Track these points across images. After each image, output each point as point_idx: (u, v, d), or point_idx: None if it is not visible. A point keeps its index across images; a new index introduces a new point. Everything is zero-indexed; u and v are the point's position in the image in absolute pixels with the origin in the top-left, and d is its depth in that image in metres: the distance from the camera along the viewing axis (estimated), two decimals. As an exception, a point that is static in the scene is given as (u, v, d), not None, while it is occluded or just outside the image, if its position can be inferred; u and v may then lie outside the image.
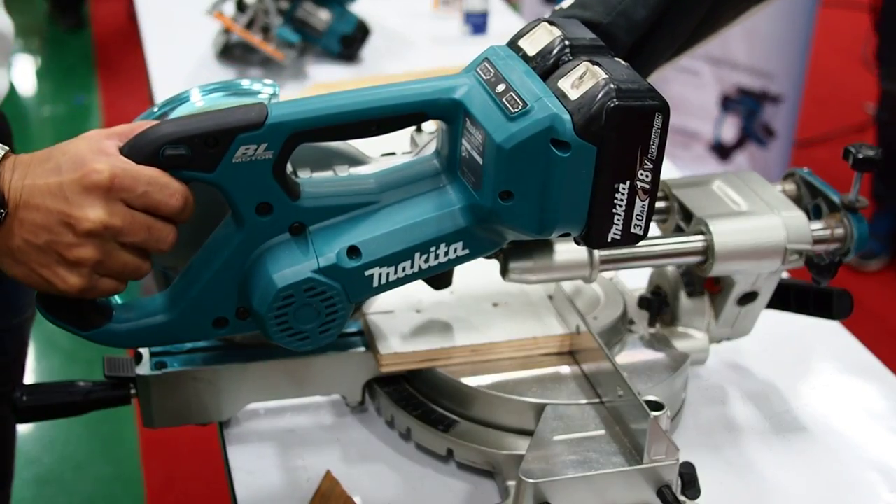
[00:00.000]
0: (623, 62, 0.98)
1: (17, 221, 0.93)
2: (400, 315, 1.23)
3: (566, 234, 1.00)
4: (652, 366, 1.21)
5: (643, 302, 1.30)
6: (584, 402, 1.14)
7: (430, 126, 1.13)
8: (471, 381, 1.16)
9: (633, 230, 0.99)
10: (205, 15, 2.21)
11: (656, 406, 1.04)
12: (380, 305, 1.24)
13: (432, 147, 1.08)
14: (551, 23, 1.03)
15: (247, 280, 1.01)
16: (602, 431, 1.10)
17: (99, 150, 0.93)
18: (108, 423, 2.91)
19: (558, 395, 1.15)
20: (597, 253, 1.14)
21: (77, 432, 2.94)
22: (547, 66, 0.99)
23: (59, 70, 5.43)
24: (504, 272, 1.13)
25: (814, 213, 1.24)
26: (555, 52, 1.00)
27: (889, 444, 1.27)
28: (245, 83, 1.13)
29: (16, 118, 1.41)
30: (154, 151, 0.94)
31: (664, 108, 0.94)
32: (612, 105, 0.92)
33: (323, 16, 2.28)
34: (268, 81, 1.13)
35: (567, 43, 1.00)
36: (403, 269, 1.02)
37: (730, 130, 4.03)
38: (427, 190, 1.03)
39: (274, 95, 1.10)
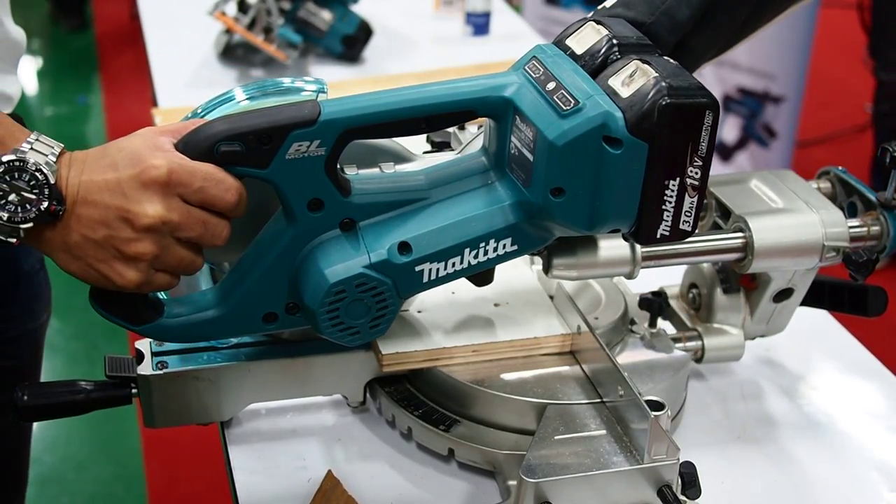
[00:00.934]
0: (671, 60, 0.99)
1: (74, 217, 0.94)
2: (402, 315, 1.23)
3: (615, 231, 1.01)
4: (653, 366, 1.21)
5: (644, 302, 1.30)
6: (585, 401, 1.14)
7: (471, 124, 1.15)
8: (472, 381, 1.17)
9: (681, 226, 1.01)
10: (206, 15, 2.21)
11: (657, 406, 1.04)
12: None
13: (477, 145, 1.10)
14: (598, 22, 1.05)
15: (297, 275, 1.03)
16: (603, 431, 1.10)
17: (155, 146, 0.95)
18: (111, 422, 2.92)
19: (559, 394, 1.15)
20: (639, 249, 1.15)
21: (79, 432, 2.94)
22: (595, 65, 1.01)
23: (61, 70, 5.44)
24: (547, 268, 1.13)
25: (849, 211, 1.26)
26: (603, 50, 1.01)
27: (889, 444, 1.27)
28: (287, 81, 1.14)
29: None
30: (209, 148, 0.95)
31: (714, 106, 0.95)
32: (665, 103, 0.93)
33: (325, 16, 2.28)
34: (309, 78, 1.14)
35: (615, 42, 1.01)
36: (453, 264, 1.04)
37: (731, 131, 4.04)
38: (476, 186, 1.05)
39: (321, 91, 1.11)
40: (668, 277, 1.36)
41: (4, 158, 0.93)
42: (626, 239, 1.03)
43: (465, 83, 1.01)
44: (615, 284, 1.31)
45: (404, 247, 1.02)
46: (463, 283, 1.23)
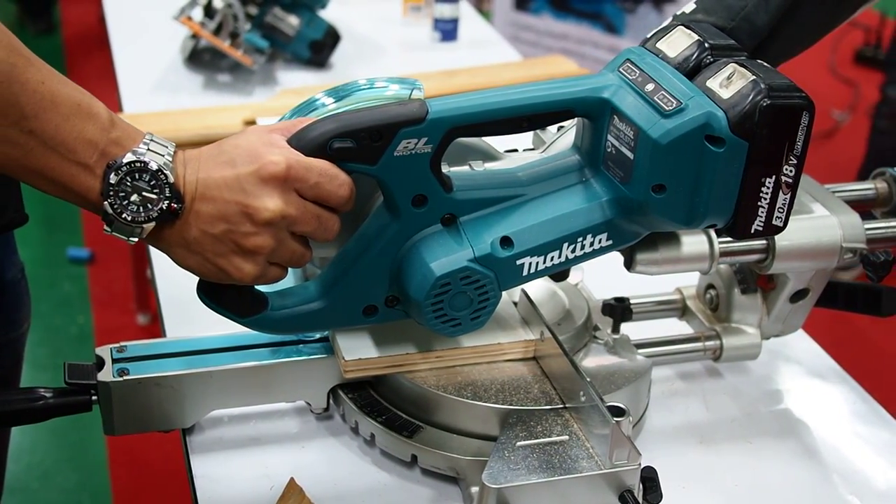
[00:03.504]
0: (764, 63, 1.02)
1: (193, 214, 0.97)
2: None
3: (711, 226, 1.05)
4: (615, 371, 1.22)
5: (607, 308, 1.31)
6: (547, 407, 1.15)
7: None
8: (435, 387, 1.16)
9: (774, 222, 1.05)
10: (172, 20, 2.20)
11: (618, 411, 1.05)
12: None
13: (559, 145, 1.14)
14: (686, 26, 1.08)
15: (400, 269, 1.07)
16: (565, 437, 1.10)
17: (270, 142, 0.99)
18: (76, 431, 2.90)
19: (522, 400, 1.15)
20: (717, 246, 1.19)
21: (44, 440, 2.92)
22: (689, 68, 1.05)
23: (28, 75, 5.39)
24: (630, 264, 1.17)
25: None
26: (696, 54, 1.05)
27: (851, 447, 1.28)
28: (380, 83, 1.17)
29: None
30: (323, 144, 0.99)
31: (811, 107, 0.99)
32: (765, 104, 0.97)
33: (292, 21, 2.28)
34: (381, 78, 1.17)
35: (707, 45, 1.05)
36: (552, 258, 1.08)
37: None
38: (571, 183, 1.09)
39: (418, 89, 1.14)
40: (685, 279, 1.38)
41: (125, 160, 0.95)
42: (719, 234, 1.08)
43: (565, 84, 1.05)
44: (578, 291, 1.31)
45: (506, 241, 1.06)
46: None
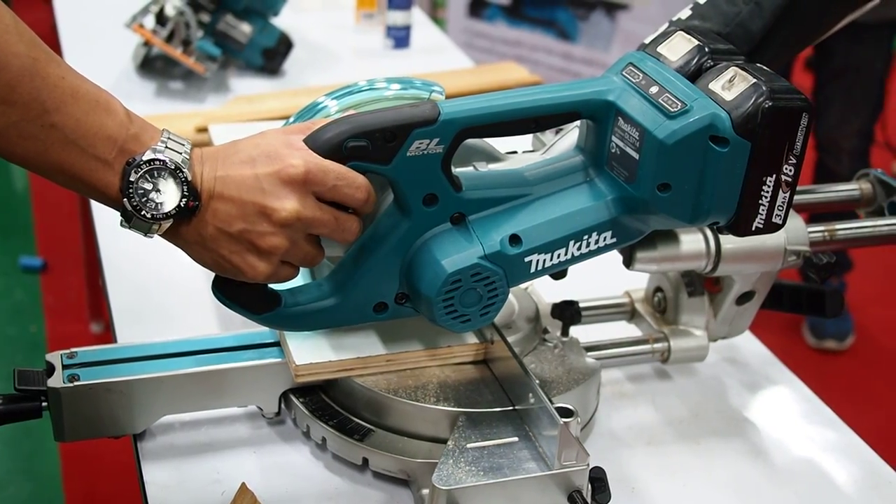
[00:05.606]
0: (764, 67, 1.05)
1: (210, 212, 0.99)
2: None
3: (714, 223, 1.09)
4: (564, 374, 1.23)
5: (556, 311, 1.32)
6: (497, 409, 1.15)
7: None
8: (386, 390, 1.17)
9: (773, 219, 1.08)
10: (124, 28, 2.19)
11: (567, 412, 1.06)
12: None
13: (559, 147, 1.17)
14: (685, 31, 1.11)
15: (410, 267, 1.09)
16: (515, 438, 1.11)
17: (289, 144, 1.01)
18: (30, 439, 2.88)
19: (472, 403, 1.16)
20: (713, 245, 1.23)
21: (-3, 450, 2.89)
22: (690, 71, 1.08)
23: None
24: (629, 262, 1.20)
25: (889, 210, 1.34)
26: (697, 58, 1.09)
27: (798, 446, 1.30)
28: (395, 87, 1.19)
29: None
30: (338, 144, 1.01)
31: (810, 108, 1.03)
32: (767, 105, 1.01)
33: (244, 29, 2.27)
34: (381, 79, 1.19)
35: (708, 49, 1.08)
36: (558, 255, 1.10)
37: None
38: (577, 183, 1.12)
39: (438, 92, 1.17)
40: (633, 282, 1.40)
41: (145, 158, 0.96)
42: (721, 232, 1.11)
43: (571, 87, 1.08)
44: (528, 294, 1.33)
45: (515, 239, 1.08)
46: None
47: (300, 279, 1.12)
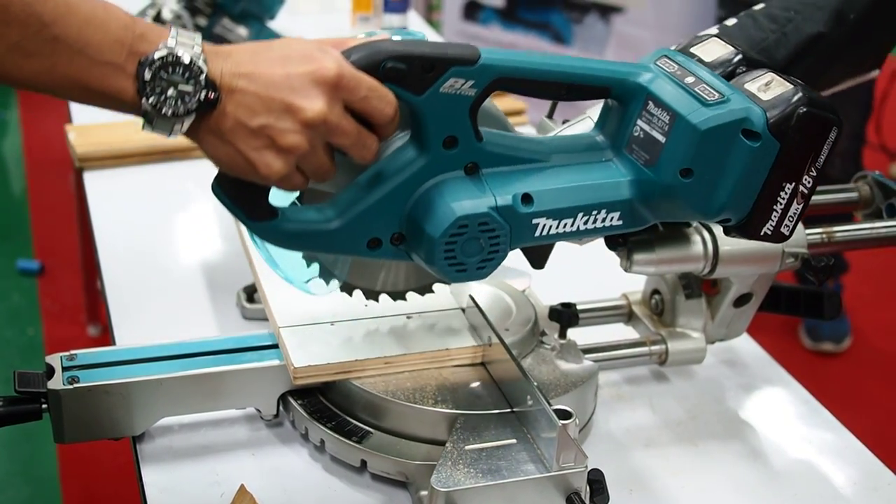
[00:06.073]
0: (796, 79, 1.06)
1: (232, 104, 0.96)
2: (313, 327, 1.24)
3: (725, 220, 1.08)
4: (562, 376, 1.23)
5: (554, 313, 1.32)
6: (495, 411, 1.16)
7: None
8: (384, 392, 1.17)
9: (782, 229, 1.08)
10: (122, 31, 2.19)
11: (565, 414, 1.06)
12: (293, 318, 1.25)
13: (569, 132, 1.18)
14: (720, 38, 1.13)
15: (416, 207, 1.06)
16: (513, 440, 1.12)
17: (324, 49, 0.98)
18: (28, 442, 2.87)
19: (471, 405, 1.17)
20: (711, 247, 1.22)
21: (-5, 453, 2.89)
22: (725, 73, 1.09)
23: (-24, 86, 5.34)
24: (628, 264, 1.20)
25: (887, 212, 1.34)
26: (731, 61, 1.10)
27: (795, 448, 1.30)
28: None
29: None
30: (378, 62, 0.99)
31: (840, 124, 1.04)
32: (804, 110, 1.02)
33: (241, 32, 2.27)
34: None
35: (742, 56, 1.10)
36: (564, 225, 1.09)
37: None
38: (593, 160, 1.11)
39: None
40: (631, 284, 1.40)
41: (157, 55, 0.93)
42: (728, 232, 1.10)
43: (607, 64, 1.08)
44: (526, 297, 1.33)
45: (527, 198, 1.07)
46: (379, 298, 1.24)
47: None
